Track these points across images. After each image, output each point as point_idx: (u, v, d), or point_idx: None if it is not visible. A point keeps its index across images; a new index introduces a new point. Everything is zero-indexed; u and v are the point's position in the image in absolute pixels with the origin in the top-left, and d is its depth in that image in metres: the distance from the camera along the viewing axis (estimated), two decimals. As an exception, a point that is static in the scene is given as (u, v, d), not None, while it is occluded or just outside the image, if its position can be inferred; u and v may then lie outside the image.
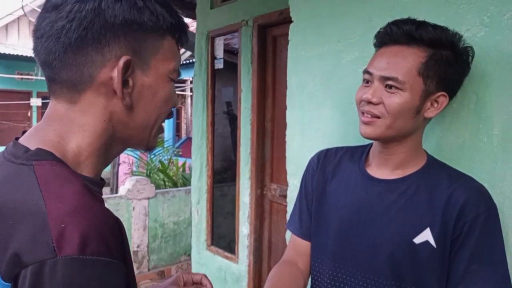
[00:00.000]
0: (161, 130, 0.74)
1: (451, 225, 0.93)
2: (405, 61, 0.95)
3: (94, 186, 0.65)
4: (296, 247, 1.20)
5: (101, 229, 0.54)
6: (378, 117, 0.97)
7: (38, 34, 0.64)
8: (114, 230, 0.56)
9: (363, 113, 1.01)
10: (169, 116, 0.75)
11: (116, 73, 0.63)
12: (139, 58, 0.65)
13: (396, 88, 0.95)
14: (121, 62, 0.62)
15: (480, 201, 0.93)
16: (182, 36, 0.72)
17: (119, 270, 0.55)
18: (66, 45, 0.62)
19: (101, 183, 0.70)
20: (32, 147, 0.62)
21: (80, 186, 0.59)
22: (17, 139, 0.67)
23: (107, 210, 0.58)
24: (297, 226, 1.21)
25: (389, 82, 0.95)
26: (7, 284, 0.52)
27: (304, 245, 1.19)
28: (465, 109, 1.12)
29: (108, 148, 0.69)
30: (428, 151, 1.09)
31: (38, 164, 0.59)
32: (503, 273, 0.91)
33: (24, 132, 0.69)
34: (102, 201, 0.62)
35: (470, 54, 1.02)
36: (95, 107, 0.65)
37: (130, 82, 0.65)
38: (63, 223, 0.51)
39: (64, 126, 0.65)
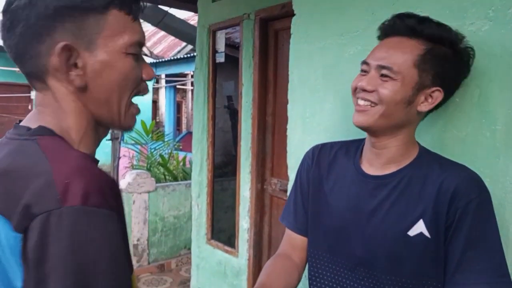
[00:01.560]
0: (134, 109, 0.76)
1: (444, 213, 0.93)
2: (402, 52, 0.97)
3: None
4: (291, 241, 1.21)
5: (101, 185, 0.60)
6: (374, 104, 0.99)
7: (2, 38, 0.70)
8: (112, 187, 0.62)
9: (357, 102, 1.03)
10: (143, 91, 0.76)
11: (57, 61, 0.66)
12: (83, 39, 0.67)
13: (389, 77, 0.97)
14: (56, 50, 0.66)
15: (471, 187, 0.93)
16: (130, 6, 0.71)
17: (116, 221, 0.60)
18: (16, 42, 0.68)
19: (96, 160, 0.73)
20: (33, 126, 0.68)
21: (79, 152, 0.66)
22: (18, 124, 0.73)
23: (105, 172, 0.64)
24: (291, 220, 1.21)
25: (384, 71, 0.97)
26: (19, 234, 0.57)
27: (299, 240, 1.19)
28: (468, 103, 1.12)
29: (93, 127, 0.73)
30: (430, 146, 1.09)
31: (41, 138, 0.65)
32: (499, 259, 0.91)
33: (20, 120, 0.74)
34: (99, 168, 0.67)
35: (471, 55, 1.02)
36: (60, 91, 0.70)
37: (79, 64, 0.67)
38: (67, 179, 0.58)
39: (51, 110, 0.71)
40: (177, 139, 9.76)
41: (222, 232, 3.04)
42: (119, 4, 0.69)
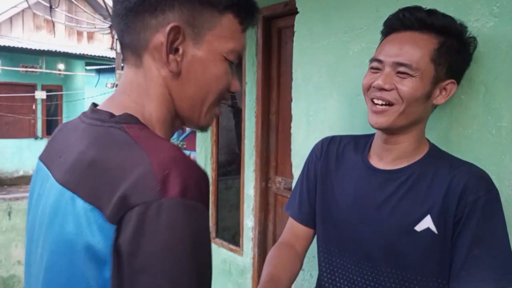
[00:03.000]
0: (216, 111, 0.75)
1: (453, 209, 0.93)
2: (419, 47, 0.95)
3: None
4: (293, 230, 1.22)
5: (198, 178, 0.59)
6: (391, 104, 0.97)
7: (113, 3, 0.71)
8: (206, 180, 0.61)
9: (373, 102, 1.00)
10: (226, 100, 0.76)
11: (163, 38, 0.65)
12: (193, 29, 0.67)
13: (408, 74, 0.95)
14: (168, 27, 0.65)
15: (480, 184, 0.93)
16: (246, 16, 0.71)
17: (208, 216, 0.59)
18: (128, 9, 0.67)
19: None
20: (116, 113, 0.66)
21: (173, 144, 0.64)
22: (95, 106, 0.72)
23: (198, 164, 0.62)
24: (296, 210, 1.22)
25: (402, 69, 0.95)
26: (112, 225, 0.55)
27: (302, 230, 1.20)
28: (474, 100, 1.11)
29: (172, 118, 0.72)
30: (436, 142, 1.08)
31: (128, 126, 0.63)
32: (505, 256, 0.91)
33: (95, 104, 0.74)
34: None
35: (473, 45, 1.03)
36: (152, 71, 0.68)
37: (180, 50, 0.67)
38: (167, 170, 0.55)
39: (135, 92, 0.69)
40: (181, 138, 9.76)
41: (227, 230, 3.04)
42: (236, 11, 0.70)
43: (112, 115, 0.66)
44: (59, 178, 0.65)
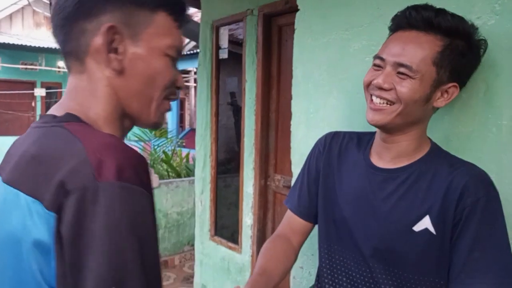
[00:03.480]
0: (165, 107, 0.78)
1: (451, 211, 0.92)
2: (421, 49, 0.93)
3: None
4: (291, 223, 1.22)
5: (134, 162, 0.61)
6: (391, 103, 0.96)
7: (51, 15, 0.73)
8: (144, 164, 0.63)
9: (371, 99, 0.99)
10: (174, 95, 0.78)
11: (101, 40, 0.69)
12: (129, 29, 0.70)
13: (407, 75, 0.94)
14: (103, 28, 0.68)
15: (480, 186, 0.92)
16: (178, 13, 0.76)
17: (148, 198, 0.61)
18: (66, 19, 0.70)
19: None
20: (59, 115, 0.69)
21: (109, 133, 0.67)
22: (43, 115, 0.74)
23: (135, 149, 0.65)
24: (295, 203, 1.22)
25: (402, 69, 0.94)
26: (51, 213, 0.57)
27: (299, 223, 1.20)
28: (474, 98, 1.11)
29: (120, 117, 0.74)
30: (436, 141, 1.08)
31: (68, 124, 0.66)
32: (506, 259, 0.90)
33: (47, 110, 0.76)
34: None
35: (483, 47, 1.00)
36: (96, 74, 0.72)
37: (120, 49, 0.70)
38: (101, 156, 0.58)
39: (80, 96, 0.72)
40: (180, 136, 9.76)
41: (226, 228, 3.04)
42: (169, 9, 0.74)
43: (55, 116, 0.69)
44: (5, 178, 0.68)
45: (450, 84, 0.96)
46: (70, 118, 0.68)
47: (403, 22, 0.98)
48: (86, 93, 0.72)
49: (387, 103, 0.97)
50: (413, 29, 0.96)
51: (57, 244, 0.56)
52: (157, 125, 0.79)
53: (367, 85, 1.01)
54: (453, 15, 0.96)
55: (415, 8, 0.97)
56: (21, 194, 0.62)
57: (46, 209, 0.57)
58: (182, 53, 0.78)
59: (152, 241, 0.60)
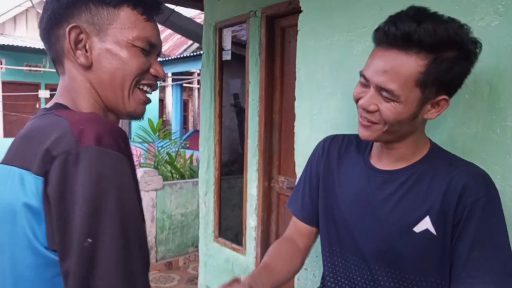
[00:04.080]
0: (140, 95, 0.84)
1: (451, 211, 0.92)
2: (402, 72, 0.88)
3: None
4: (296, 227, 1.23)
5: (113, 132, 0.69)
6: (375, 123, 0.96)
7: (38, 27, 0.85)
8: (121, 134, 0.70)
9: (360, 115, 0.99)
10: (149, 85, 0.85)
11: (67, 40, 0.78)
12: (94, 27, 0.78)
13: (390, 99, 0.91)
14: (67, 29, 0.77)
15: (480, 185, 0.91)
16: (145, 8, 0.81)
17: (127, 163, 0.68)
18: (44, 30, 0.81)
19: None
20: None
21: (92, 112, 0.78)
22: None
23: (115, 122, 0.78)
24: (298, 208, 1.22)
25: (384, 93, 0.91)
26: (39, 177, 0.64)
27: (304, 227, 1.21)
28: (478, 100, 1.10)
29: (102, 109, 0.83)
30: (440, 142, 1.07)
31: (57, 110, 0.75)
32: (506, 257, 0.90)
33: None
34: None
35: (478, 50, 0.91)
36: (72, 72, 0.81)
37: (87, 46, 0.78)
38: (82, 126, 0.67)
39: (66, 93, 0.81)
40: (184, 137, 9.78)
41: (229, 230, 3.04)
42: (132, 4, 0.80)
43: (46, 109, 0.78)
44: (2, 160, 0.76)
45: (440, 98, 0.92)
46: (58, 106, 0.78)
47: (383, 38, 0.91)
48: (70, 90, 0.81)
49: (373, 122, 0.96)
50: (392, 47, 0.89)
51: (45, 205, 0.64)
52: (134, 115, 0.85)
53: (356, 101, 1.00)
54: (438, 24, 0.86)
55: (394, 22, 0.89)
56: (14, 168, 0.69)
57: (36, 174, 0.64)
58: (154, 44, 0.84)
59: (130, 199, 0.67)
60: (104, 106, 0.83)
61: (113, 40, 0.79)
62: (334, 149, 1.17)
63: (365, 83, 0.96)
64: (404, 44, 0.88)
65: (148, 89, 0.86)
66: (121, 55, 0.79)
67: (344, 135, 1.20)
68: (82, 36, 0.78)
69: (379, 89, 0.92)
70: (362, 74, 0.97)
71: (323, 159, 1.18)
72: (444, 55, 0.87)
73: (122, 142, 0.69)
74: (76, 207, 0.61)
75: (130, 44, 0.79)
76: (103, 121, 0.70)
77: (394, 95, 0.90)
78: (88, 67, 0.79)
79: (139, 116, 0.87)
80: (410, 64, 0.88)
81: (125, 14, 0.79)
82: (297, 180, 1.65)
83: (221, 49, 2.93)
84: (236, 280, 0.97)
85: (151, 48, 0.83)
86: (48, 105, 0.81)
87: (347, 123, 1.48)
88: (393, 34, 0.88)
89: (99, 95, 0.81)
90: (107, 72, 0.80)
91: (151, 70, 0.85)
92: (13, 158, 0.72)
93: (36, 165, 0.65)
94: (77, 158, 0.63)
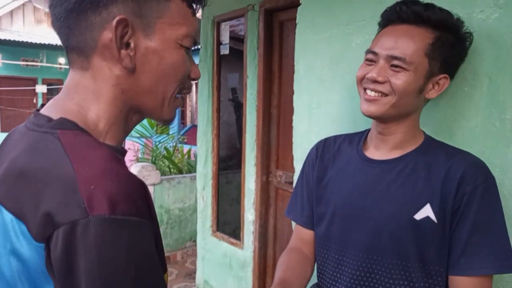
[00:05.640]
0: (178, 102, 0.72)
1: (451, 198, 0.94)
2: (413, 41, 0.96)
3: (117, 154, 0.65)
4: (299, 235, 1.22)
5: (129, 190, 0.55)
6: (385, 95, 0.98)
7: (50, 4, 0.65)
8: (141, 192, 0.57)
9: (365, 90, 1.02)
10: (187, 89, 0.72)
11: (111, 34, 0.62)
12: (141, 20, 0.63)
13: (401, 68, 0.96)
14: (114, 21, 0.61)
15: (478, 173, 0.94)
16: (194, 0, 0.69)
17: (148, 229, 0.56)
18: (68, 10, 0.62)
19: (124, 151, 0.69)
20: (54, 117, 0.63)
21: (105, 151, 0.60)
22: (38, 110, 0.68)
23: (132, 173, 0.59)
24: (298, 215, 1.22)
25: (396, 62, 0.96)
26: (40, 244, 0.53)
27: (307, 234, 1.20)
28: (478, 92, 1.10)
29: (126, 115, 0.69)
30: (439, 135, 1.08)
31: (62, 132, 0.60)
32: (504, 243, 0.92)
33: (43, 105, 0.69)
34: (126, 167, 0.62)
35: (469, 40, 1.04)
36: (102, 72, 0.65)
37: (132, 44, 0.63)
38: (92, 185, 0.53)
39: (80, 95, 0.65)
40: (182, 132, 9.76)
41: (227, 224, 3.04)
42: None
43: (49, 120, 0.63)
44: None
45: (441, 76, 1.00)
46: (65, 124, 0.62)
47: (393, 16, 1.01)
48: (89, 92, 0.65)
49: (381, 95, 0.99)
50: (404, 23, 0.99)
51: (50, 272, 0.54)
52: (168, 121, 0.73)
53: (360, 80, 1.04)
54: (441, 9, 0.98)
55: (405, 3, 0.99)
56: (5, 211, 0.58)
57: (34, 238, 0.54)
58: (196, 42, 0.72)
59: (151, 273, 0.56)
60: (129, 111, 0.69)
61: (160, 38, 0.65)
62: (328, 150, 1.19)
63: (373, 58, 1.01)
64: (414, 20, 0.97)
65: (185, 93, 0.73)
66: (169, 58, 0.66)
67: (336, 136, 1.22)
68: (127, 30, 0.62)
69: (390, 59, 0.97)
70: (369, 51, 1.02)
71: (318, 163, 1.18)
72: (446, 35, 0.98)
73: (140, 200, 0.56)
74: None
75: (179, 44, 0.66)
76: (119, 175, 0.56)
77: (406, 62, 0.95)
78: (131, 70, 0.64)
79: (171, 121, 0.74)
80: (420, 35, 0.97)
81: (176, 7, 0.66)
82: (294, 175, 1.65)
83: (219, 43, 2.92)
84: None
85: (193, 46, 0.71)
86: (50, 109, 0.66)
87: (346, 116, 1.47)
88: (405, 12, 0.98)
89: (130, 102, 0.67)
90: (150, 78, 0.66)
91: (191, 73, 0.71)
92: (4, 196, 0.59)
93: (35, 227, 0.53)
94: (86, 231, 0.50)
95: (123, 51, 0.63)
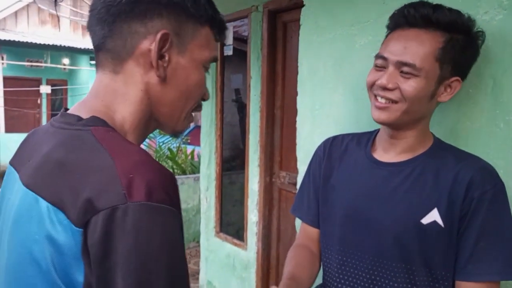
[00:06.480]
0: (191, 118, 0.79)
1: (459, 203, 0.93)
2: (423, 46, 0.94)
3: None
4: (306, 232, 1.22)
5: (164, 180, 0.60)
6: (395, 102, 0.97)
7: (93, 7, 0.71)
8: (173, 183, 0.62)
9: (376, 97, 1.00)
10: (198, 108, 0.79)
11: (154, 45, 0.68)
12: (178, 38, 0.71)
13: (412, 74, 0.94)
14: (159, 34, 0.68)
15: (486, 178, 0.93)
16: (219, 31, 0.77)
17: (178, 217, 0.60)
18: (116, 15, 0.68)
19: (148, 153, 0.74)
20: (84, 116, 0.67)
21: (139, 147, 0.66)
22: (65, 110, 0.73)
23: (163, 166, 0.64)
24: (304, 213, 1.22)
25: (405, 69, 0.95)
26: (79, 229, 0.56)
27: (313, 232, 1.20)
28: (482, 94, 1.10)
29: (147, 121, 0.74)
30: (444, 137, 1.07)
31: (95, 129, 0.64)
32: (511, 250, 0.91)
33: (66, 108, 0.74)
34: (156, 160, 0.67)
35: (481, 39, 1.01)
36: (134, 77, 0.70)
37: (166, 57, 0.70)
38: (131, 174, 0.57)
39: (109, 97, 0.71)
40: (185, 133, 9.76)
41: (231, 225, 3.04)
42: (213, 24, 0.75)
43: (79, 119, 0.67)
44: (25, 180, 0.66)
45: (453, 79, 0.98)
46: (96, 122, 0.66)
47: (401, 20, 0.99)
48: (118, 95, 0.70)
49: (391, 102, 0.97)
50: (412, 27, 0.97)
51: (84, 259, 0.56)
52: (179, 133, 0.81)
53: (371, 86, 1.02)
54: (450, 10, 0.96)
55: (412, 6, 0.97)
56: (42, 200, 0.60)
57: (72, 223, 0.56)
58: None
59: (180, 260, 0.59)
60: (149, 118, 0.74)
61: (190, 57, 0.72)
62: (335, 149, 1.18)
63: (382, 64, 0.99)
64: (423, 24, 0.95)
65: (197, 111, 0.81)
66: (194, 76, 0.74)
67: (343, 135, 1.21)
68: (166, 44, 0.69)
69: (400, 65, 0.95)
70: (379, 56, 1.00)
71: (325, 161, 1.18)
72: (457, 37, 0.95)
73: (173, 191, 0.60)
74: (123, 275, 0.54)
75: (202, 65, 0.75)
76: (153, 166, 0.61)
77: (416, 68, 0.93)
78: (163, 80, 0.71)
79: (181, 134, 0.82)
80: (429, 39, 0.95)
81: (205, 32, 0.74)
82: (298, 176, 1.65)
83: (222, 44, 2.92)
84: None
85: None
86: (79, 109, 0.70)
87: (349, 117, 1.47)
88: (413, 16, 0.96)
89: (152, 109, 0.73)
90: (175, 91, 0.73)
91: (204, 95, 0.79)
92: (42, 187, 0.62)
93: (75, 213, 0.56)
94: (125, 216, 0.54)
95: (159, 62, 0.69)
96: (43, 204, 0.60)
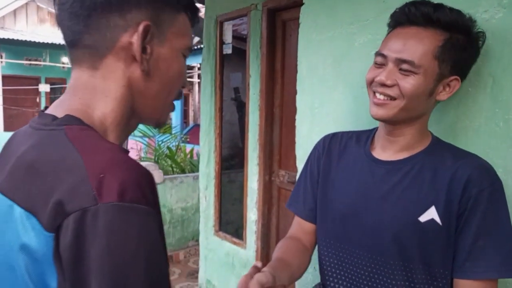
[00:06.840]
0: (172, 107, 0.77)
1: (456, 201, 0.93)
2: (422, 44, 0.95)
3: None
4: (300, 226, 1.22)
5: (137, 179, 0.56)
6: (393, 99, 0.97)
7: (63, 0, 0.66)
8: (149, 181, 0.58)
9: (374, 94, 1.01)
10: (179, 96, 0.76)
11: (136, 38, 0.65)
12: (157, 28, 0.67)
13: (410, 71, 0.95)
14: (141, 27, 0.65)
15: (484, 176, 0.93)
16: (194, 17, 0.75)
17: (155, 217, 0.57)
18: (91, 9, 0.64)
19: (127, 151, 0.70)
20: (59, 115, 0.64)
21: (111, 143, 0.63)
22: (42, 111, 0.69)
23: (139, 163, 0.61)
24: (300, 208, 1.22)
25: (404, 66, 0.95)
26: (50, 234, 0.54)
27: (308, 226, 1.20)
28: (481, 92, 1.10)
29: (129, 118, 0.71)
30: (443, 136, 1.07)
31: (68, 128, 0.61)
32: (510, 248, 0.92)
33: (46, 107, 0.71)
34: (132, 158, 0.63)
35: (481, 39, 1.01)
36: (115, 72, 0.67)
37: (148, 49, 0.67)
38: (101, 173, 0.54)
39: (88, 94, 0.67)
40: (184, 131, 9.77)
41: (230, 223, 3.04)
42: (189, 10, 0.73)
43: (55, 118, 0.64)
44: (0, 185, 0.64)
45: (452, 78, 0.98)
46: (70, 120, 0.63)
47: (402, 18, 1.00)
48: (97, 91, 0.67)
49: (390, 99, 0.98)
50: (412, 25, 0.97)
51: (56, 264, 0.54)
52: (162, 124, 0.78)
53: (370, 82, 1.02)
54: (451, 9, 0.96)
55: (414, 4, 0.98)
56: (16, 206, 0.58)
57: (44, 229, 0.54)
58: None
59: (159, 261, 0.57)
60: (131, 114, 0.71)
61: (169, 47, 0.69)
62: (335, 146, 1.18)
63: (382, 61, 0.99)
64: (423, 22, 0.96)
65: (177, 99, 0.78)
66: (175, 65, 0.71)
67: (343, 132, 1.21)
68: (148, 36, 0.66)
69: (399, 62, 0.96)
70: (379, 53, 1.00)
71: (323, 158, 1.18)
72: (457, 36, 0.96)
73: (148, 190, 0.57)
74: (95, 280, 0.51)
75: (181, 53, 0.72)
76: (126, 164, 0.57)
77: (415, 65, 0.94)
78: (147, 73, 0.67)
79: (164, 124, 0.80)
80: (429, 37, 0.95)
81: (182, 19, 0.71)
82: (297, 175, 1.65)
83: (222, 42, 2.92)
84: (255, 267, 0.94)
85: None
86: (56, 108, 0.67)
87: (349, 116, 1.47)
88: (414, 14, 0.96)
89: (134, 104, 0.70)
90: (159, 82, 0.70)
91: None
92: (15, 191, 0.60)
93: (46, 218, 0.54)
94: (96, 218, 0.51)
95: (143, 55, 0.66)
96: (17, 210, 0.58)
